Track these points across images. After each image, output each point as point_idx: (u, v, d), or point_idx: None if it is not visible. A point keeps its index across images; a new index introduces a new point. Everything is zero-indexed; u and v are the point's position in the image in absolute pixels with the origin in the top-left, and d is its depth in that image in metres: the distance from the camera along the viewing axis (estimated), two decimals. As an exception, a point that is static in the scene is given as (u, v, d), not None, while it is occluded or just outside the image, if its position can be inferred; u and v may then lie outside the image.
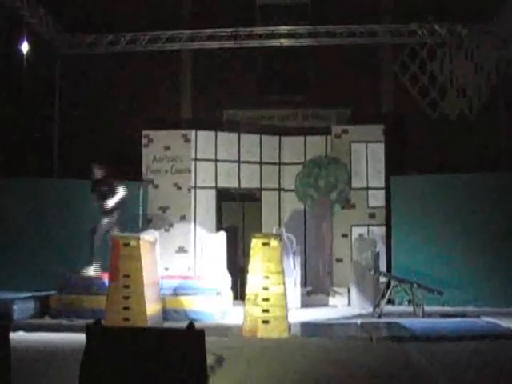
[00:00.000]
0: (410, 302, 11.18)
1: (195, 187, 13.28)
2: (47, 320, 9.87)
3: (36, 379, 5.76)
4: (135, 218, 12.70)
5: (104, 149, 14.24)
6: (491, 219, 12.29)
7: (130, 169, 13.39)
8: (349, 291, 12.21)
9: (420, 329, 8.90)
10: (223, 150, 13.54)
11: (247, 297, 8.55)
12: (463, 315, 10.51)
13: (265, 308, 8.43)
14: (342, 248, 13.14)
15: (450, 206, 12.54)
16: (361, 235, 12.79)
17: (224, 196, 13.86)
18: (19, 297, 10.25)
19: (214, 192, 13.46)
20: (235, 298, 11.83)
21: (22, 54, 12.80)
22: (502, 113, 14.20)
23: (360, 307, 11.66)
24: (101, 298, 9.28)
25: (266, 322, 8.39)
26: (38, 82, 14.09)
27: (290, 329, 8.54)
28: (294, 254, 11.87)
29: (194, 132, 13.39)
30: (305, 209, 13.59)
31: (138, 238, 9.12)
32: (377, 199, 13.25)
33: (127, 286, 8.86)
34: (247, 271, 8.72)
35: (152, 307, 9.04)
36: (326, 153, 13.70)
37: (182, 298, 10.01)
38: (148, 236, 10.02)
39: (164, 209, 13.15)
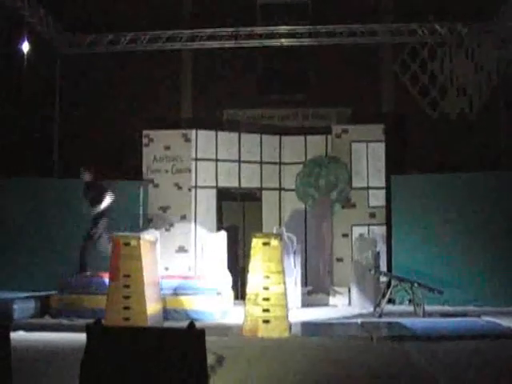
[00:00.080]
0: (410, 301, 11.17)
1: (195, 187, 13.27)
2: (47, 320, 9.87)
3: (36, 379, 5.75)
4: (135, 218, 12.72)
5: (104, 149, 14.25)
6: (492, 219, 12.28)
7: (130, 169, 13.41)
8: (349, 291, 12.20)
9: (420, 328, 8.89)
10: (223, 150, 13.54)
11: (248, 296, 8.54)
12: (464, 315, 10.51)
13: (265, 308, 8.42)
14: (343, 247, 13.14)
15: (450, 206, 12.53)
16: (361, 235, 12.79)
17: (224, 196, 13.86)
18: (19, 296, 10.25)
19: (214, 192, 13.46)
20: (236, 297, 11.83)
21: (23, 53, 12.81)
22: (502, 112, 14.19)
23: (360, 307, 11.66)
24: (101, 298, 9.28)
25: (266, 321, 8.39)
26: (38, 81, 14.08)
27: (290, 328, 8.54)
28: (294, 253, 11.87)
29: (194, 132, 13.39)
30: (305, 208, 13.59)
31: (139, 238, 9.12)
32: (377, 199, 13.25)
33: (127, 286, 8.86)
34: (247, 271, 8.72)
35: (152, 307, 9.04)
36: (326, 152, 13.69)
37: (183, 298, 10.01)
38: (148, 236, 10.03)
39: (164, 208, 13.14)
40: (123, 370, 3.53)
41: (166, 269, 12.18)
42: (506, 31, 13.34)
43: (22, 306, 9.82)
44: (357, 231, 13.01)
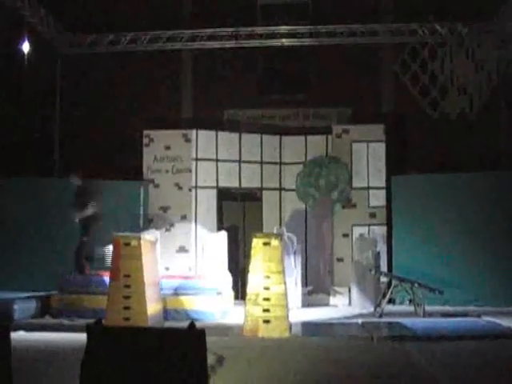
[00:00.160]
0: (410, 301, 11.17)
1: (196, 187, 13.27)
2: (48, 320, 9.88)
3: (36, 379, 5.76)
4: (136, 218, 12.72)
5: (104, 149, 14.25)
6: (492, 219, 12.28)
7: (130, 169, 13.41)
8: (349, 291, 12.20)
9: (421, 328, 8.89)
10: (224, 150, 13.54)
11: (248, 296, 8.55)
12: (464, 315, 10.51)
13: (265, 308, 8.43)
14: (343, 247, 13.14)
15: (450, 206, 12.52)
16: (361, 235, 12.79)
17: (225, 196, 13.86)
18: (20, 296, 10.25)
19: (214, 192, 13.46)
20: (236, 297, 11.83)
21: (23, 53, 12.81)
22: (502, 112, 14.18)
23: (361, 307, 11.65)
24: (101, 298, 9.29)
25: (266, 321, 8.39)
26: (38, 81, 14.09)
27: (290, 328, 8.54)
28: (294, 253, 11.87)
29: (194, 132, 13.39)
30: (306, 208, 13.59)
31: (139, 238, 9.13)
32: (377, 199, 13.25)
33: (128, 286, 8.87)
34: (248, 271, 8.72)
35: (153, 307, 9.04)
36: (326, 152, 13.69)
37: (183, 298, 10.02)
38: (149, 236, 10.03)
39: (165, 208, 13.14)
40: (123, 370, 3.53)
41: (167, 269, 12.17)
42: (506, 31, 13.33)
43: (23, 306, 9.83)
44: (357, 231, 13.02)
